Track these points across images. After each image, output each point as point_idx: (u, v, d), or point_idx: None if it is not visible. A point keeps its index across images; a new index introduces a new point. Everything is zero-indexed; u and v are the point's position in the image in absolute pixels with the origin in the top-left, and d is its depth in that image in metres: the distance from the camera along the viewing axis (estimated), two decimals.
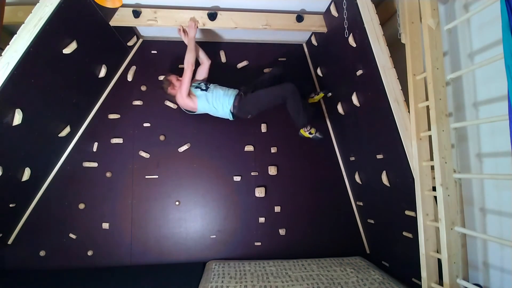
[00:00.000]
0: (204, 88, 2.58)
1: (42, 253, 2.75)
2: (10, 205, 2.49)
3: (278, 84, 2.57)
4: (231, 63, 3.10)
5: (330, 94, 2.87)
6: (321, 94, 2.75)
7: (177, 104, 2.68)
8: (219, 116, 2.65)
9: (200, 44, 2.97)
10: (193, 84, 2.60)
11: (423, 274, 1.92)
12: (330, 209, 3.06)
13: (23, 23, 1.91)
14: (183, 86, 2.47)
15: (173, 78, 2.60)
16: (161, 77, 2.78)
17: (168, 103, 2.98)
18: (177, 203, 2.94)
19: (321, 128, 3.12)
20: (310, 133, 2.61)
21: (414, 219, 2.04)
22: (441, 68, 1.84)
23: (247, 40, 3.09)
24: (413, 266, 2.09)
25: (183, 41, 2.63)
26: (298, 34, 2.99)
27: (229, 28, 2.61)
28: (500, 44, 1.46)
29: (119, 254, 2.83)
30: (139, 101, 2.98)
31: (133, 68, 2.99)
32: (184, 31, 2.59)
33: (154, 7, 2.51)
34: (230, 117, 2.60)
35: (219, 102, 2.53)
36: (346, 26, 2.24)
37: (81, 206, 2.83)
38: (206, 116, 2.72)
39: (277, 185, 3.04)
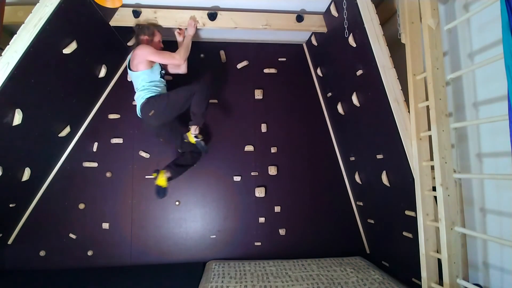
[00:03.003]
0: (162, 75, 2.47)
1: (42, 253, 2.75)
2: (10, 205, 2.49)
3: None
4: (231, 63, 3.10)
5: None
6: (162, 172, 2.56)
7: (135, 44, 2.43)
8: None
9: (201, 43, 2.97)
10: (161, 65, 2.50)
11: (423, 274, 1.92)
12: (330, 209, 3.06)
13: (23, 23, 1.91)
14: (161, 55, 2.33)
15: (157, 35, 2.46)
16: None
17: None
18: (177, 203, 2.94)
19: (321, 128, 3.14)
20: (196, 137, 2.49)
21: (414, 219, 2.04)
22: (441, 68, 1.84)
23: (247, 40, 3.09)
24: (413, 266, 2.09)
25: None
26: (298, 34, 2.98)
27: (229, 28, 2.60)
28: (500, 44, 1.46)
29: (119, 254, 2.83)
30: None
31: None
32: (181, 31, 2.59)
33: (154, 7, 2.51)
34: (138, 111, 2.41)
35: (142, 90, 2.35)
36: (346, 26, 2.24)
37: (81, 206, 2.83)
38: (206, 116, 2.70)
39: (277, 185, 3.04)
